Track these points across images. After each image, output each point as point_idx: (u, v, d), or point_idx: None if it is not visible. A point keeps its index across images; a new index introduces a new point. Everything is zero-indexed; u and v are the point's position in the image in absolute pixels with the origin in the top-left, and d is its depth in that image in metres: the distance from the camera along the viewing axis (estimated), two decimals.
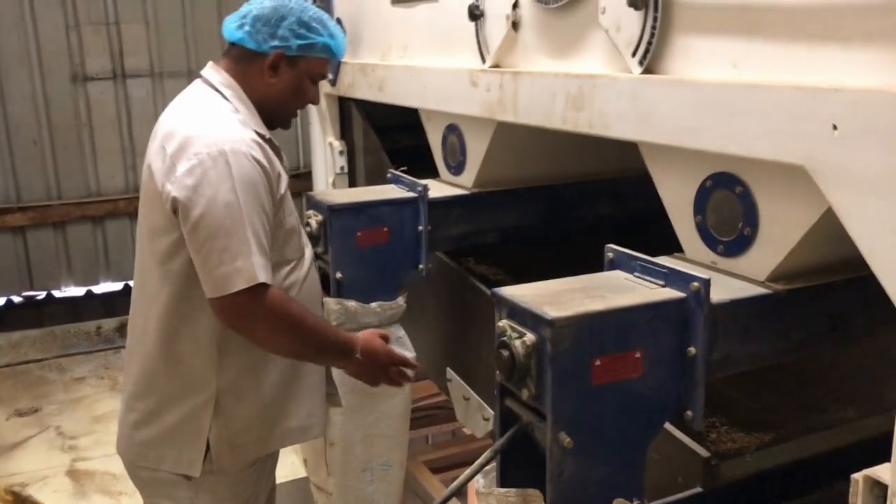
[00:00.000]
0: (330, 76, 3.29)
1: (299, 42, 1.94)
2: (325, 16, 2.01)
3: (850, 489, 1.23)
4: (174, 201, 1.77)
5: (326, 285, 2.44)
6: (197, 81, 2.01)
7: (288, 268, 1.98)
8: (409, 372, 2.12)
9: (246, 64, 1.96)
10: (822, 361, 2.08)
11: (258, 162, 1.81)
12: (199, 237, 1.75)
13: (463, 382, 2.65)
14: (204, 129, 1.82)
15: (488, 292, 2.39)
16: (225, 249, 1.74)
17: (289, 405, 2.05)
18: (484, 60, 2.23)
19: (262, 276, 1.76)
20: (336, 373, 2.42)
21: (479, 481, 1.49)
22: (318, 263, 2.53)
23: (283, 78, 1.96)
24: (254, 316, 1.79)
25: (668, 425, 1.76)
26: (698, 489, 1.67)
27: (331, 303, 2.38)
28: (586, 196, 2.67)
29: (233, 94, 1.94)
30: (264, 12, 1.94)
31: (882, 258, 1.17)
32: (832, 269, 1.51)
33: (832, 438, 1.85)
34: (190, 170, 1.76)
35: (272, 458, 2.21)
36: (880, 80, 1.17)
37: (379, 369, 2.03)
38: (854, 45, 1.22)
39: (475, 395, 2.57)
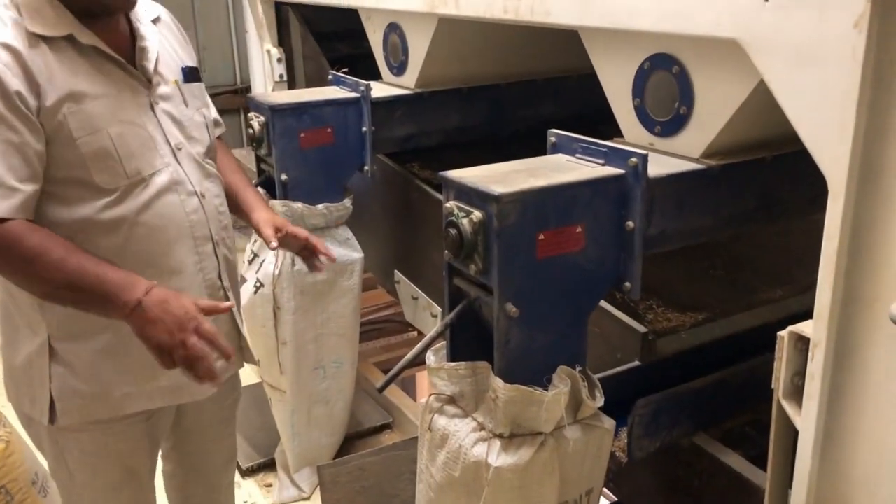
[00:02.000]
0: None
1: None
2: None
3: (776, 345, 1.33)
4: None
5: (272, 188, 2.44)
6: None
7: (108, 198, 1.59)
8: (219, 363, 1.55)
9: None
10: (752, 243, 2.18)
11: None
12: None
13: (410, 283, 2.70)
14: None
15: (434, 194, 2.44)
16: None
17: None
18: None
19: None
20: (286, 272, 2.44)
21: (429, 358, 1.54)
22: (261, 167, 2.52)
23: None
24: None
25: (608, 306, 1.85)
26: (636, 363, 1.77)
27: (277, 205, 2.38)
28: (530, 96, 2.69)
29: None
30: None
31: (811, 127, 1.22)
32: (765, 145, 1.58)
33: (761, 315, 1.97)
34: None
35: (166, 414, 1.87)
36: None
37: (171, 334, 1.48)
38: None
39: (423, 294, 2.63)
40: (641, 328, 1.79)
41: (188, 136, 1.75)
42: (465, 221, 1.37)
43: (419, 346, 1.47)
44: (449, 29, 2.27)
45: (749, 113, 1.45)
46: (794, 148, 1.29)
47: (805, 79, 1.21)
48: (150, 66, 1.69)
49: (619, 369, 1.74)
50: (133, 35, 1.70)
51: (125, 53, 1.65)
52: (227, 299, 1.84)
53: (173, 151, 1.69)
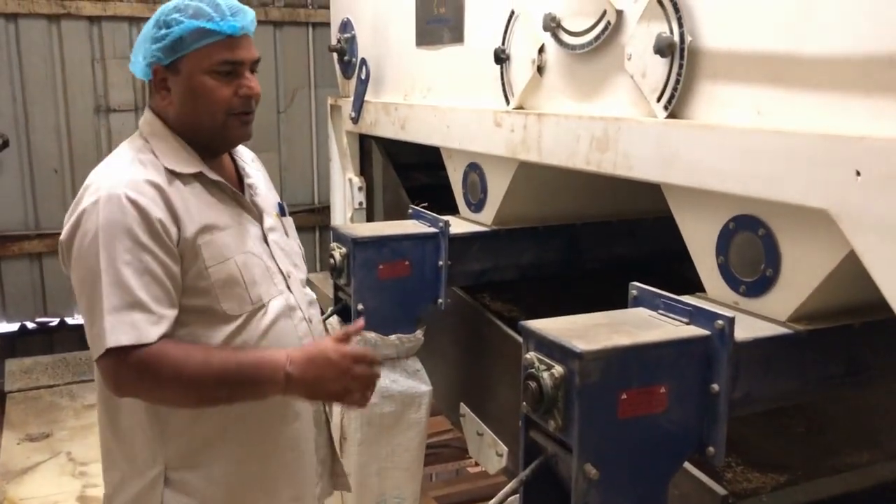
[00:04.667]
0: (352, 114, 3.37)
1: (161, 45, 1.65)
2: (188, 2, 1.67)
3: None
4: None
5: (347, 316, 2.48)
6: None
7: (233, 325, 1.67)
8: (376, 369, 1.71)
9: (152, 96, 1.75)
10: (836, 404, 2.10)
11: (135, 204, 1.56)
12: (76, 297, 1.61)
13: (476, 418, 2.67)
14: (92, 182, 1.63)
15: (504, 328, 2.44)
16: (88, 310, 1.56)
17: (264, 484, 1.76)
18: (508, 102, 2.29)
19: (113, 338, 1.51)
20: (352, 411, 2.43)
21: None
22: (339, 295, 2.57)
23: (175, 91, 1.69)
24: (123, 382, 1.56)
25: (686, 464, 1.78)
26: None
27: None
28: (604, 236, 2.71)
29: (150, 132, 1.72)
30: (140, 36, 1.73)
31: None
32: (853, 311, 1.55)
33: (845, 481, 1.87)
34: (69, 228, 1.61)
35: None
36: None
37: (333, 376, 1.61)
38: (877, 95, 1.27)
39: (489, 430, 2.59)
40: (721, 490, 1.72)
41: (294, 264, 1.87)
42: (545, 375, 1.36)
43: (493, 502, 1.44)
44: (529, 172, 2.33)
45: (839, 280, 1.43)
46: (885, 316, 1.26)
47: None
48: (260, 201, 1.84)
49: None
50: (238, 172, 1.86)
51: (236, 188, 1.80)
52: (329, 419, 1.97)
53: (285, 279, 1.80)
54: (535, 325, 1.47)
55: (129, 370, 1.54)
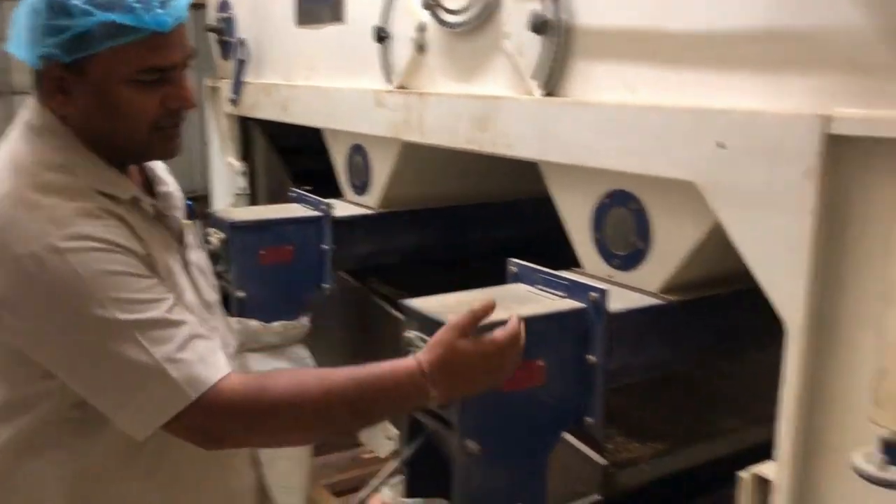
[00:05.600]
0: (233, 96, 3.26)
1: (59, 40, 1.18)
2: None
3: (738, 487, 1.31)
4: None
5: (228, 304, 2.40)
6: (21, 122, 1.30)
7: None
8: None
9: (42, 90, 1.27)
10: (710, 372, 2.19)
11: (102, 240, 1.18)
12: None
13: None
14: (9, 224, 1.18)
15: (393, 312, 2.42)
16: (113, 376, 1.19)
17: None
18: (390, 82, 2.26)
19: (195, 384, 1.17)
20: None
21: (385, 494, 1.49)
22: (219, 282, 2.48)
23: (79, 96, 1.23)
24: (228, 429, 1.22)
25: (567, 436, 1.82)
26: (596, 497, 1.73)
27: (231, 322, 2.33)
28: (487, 218, 2.73)
29: (58, 142, 1.25)
30: (23, 13, 1.23)
31: (766, 269, 1.26)
32: (722, 281, 1.61)
33: (720, 446, 1.95)
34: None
35: None
36: (762, 102, 1.27)
37: (485, 369, 1.26)
38: (739, 69, 1.32)
39: None
40: (602, 460, 1.76)
41: (212, 284, 1.49)
42: None
43: (374, 481, 1.42)
44: (412, 153, 2.31)
45: (706, 251, 1.48)
46: (752, 284, 1.31)
47: (758, 223, 1.24)
48: (179, 214, 1.41)
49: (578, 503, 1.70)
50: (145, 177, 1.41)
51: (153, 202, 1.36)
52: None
53: (208, 309, 1.42)
54: (415, 303, 1.46)
55: (230, 410, 1.19)
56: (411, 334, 1.40)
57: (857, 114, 1.13)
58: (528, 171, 1.82)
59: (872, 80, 1.14)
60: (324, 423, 1.24)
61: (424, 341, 1.36)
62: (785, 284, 1.20)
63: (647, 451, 1.90)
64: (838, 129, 1.14)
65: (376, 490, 1.41)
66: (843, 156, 1.15)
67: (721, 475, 1.50)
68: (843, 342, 1.17)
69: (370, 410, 1.26)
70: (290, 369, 1.32)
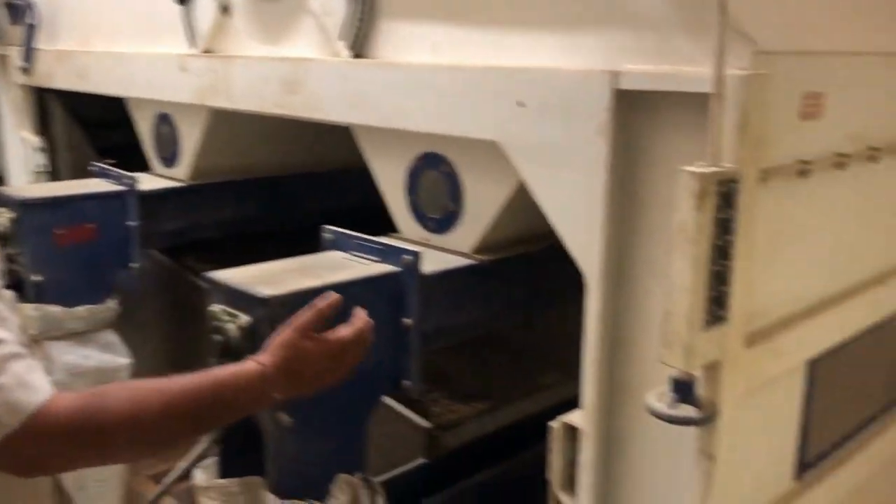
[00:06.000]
0: (24, 64, 2.97)
1: None
2: None
3: (549, 436, 1.35)
4: None
5: (22, 289, 2.20)
6: None
7: None
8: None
9: None
10: (530, 330, 2.25)
11: None
12: None
13: None
14: None
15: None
16: None
17: None
18: (195, 46, 2.13)
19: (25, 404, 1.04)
20: None
21: (197, 476, 1.41)
22: (11, 267, 2.27)
23: None
24: (40, 462, 1.09)
25: (391, 402, 1.81)
26: (422, 460, 1.74)
27: (28, 309, 2.14)
28: (311, 189, 2.66)
29: None
30: None
31: (566, 224, 1.29)
32: (532, 239, 1.64)
33: (541, 401, 2.02)
34: None
35: None
36: (558, 60, 1.29)
37: (330, 367, 1.23)
38: (537, 29, 1.33)
39: None
40: (426, 423, 1.77)
41: None
42: (231, 326, 1.29)
43: (184, 463, 1.34)
44: (223, 120, 2.21)
45: (515, 210, 1.51)
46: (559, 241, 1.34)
47: (557, 179, 1.27)
48: None
49: (403, 469, 1.70)
50: None
51: None
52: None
53: None
54: (219, 275, 1.38)
55: (58, 435, 1.06)
56: (217, 308, 1.33)
57: (643, 69, 1.18)
58: (350, 139, 1.78)
59: (659, 37, 1.19)
60: (164, 437, 1.15)
61: (230, 315, 1.30)
62: (583, 237, 1.24)
63: (470, 412, 1.93)
64: (627, 84, 1.17)
65: (185, 474, 1.34)
66: (632, 110, 1.19)
67: (543, 429, 1.54)
68: (637, 290, 1.22)
69: (212, 419, 1.20)
70: (126, 383, 1.23)
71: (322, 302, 1.22)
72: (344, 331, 1.23)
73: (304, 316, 1.20)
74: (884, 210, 1.51)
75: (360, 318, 1.25)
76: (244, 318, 1.28)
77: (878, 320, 1.51)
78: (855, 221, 1.43)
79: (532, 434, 1.89)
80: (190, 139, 2.32)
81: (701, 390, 1.11)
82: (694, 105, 1.09)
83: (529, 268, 1.66)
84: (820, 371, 1.37)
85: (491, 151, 1.39)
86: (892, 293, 1.53)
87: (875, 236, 1.50)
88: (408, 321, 1.42)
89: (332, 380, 1.24)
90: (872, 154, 1.38)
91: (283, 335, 1.19)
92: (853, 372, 1.50)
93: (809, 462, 1.42)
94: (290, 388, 1.18)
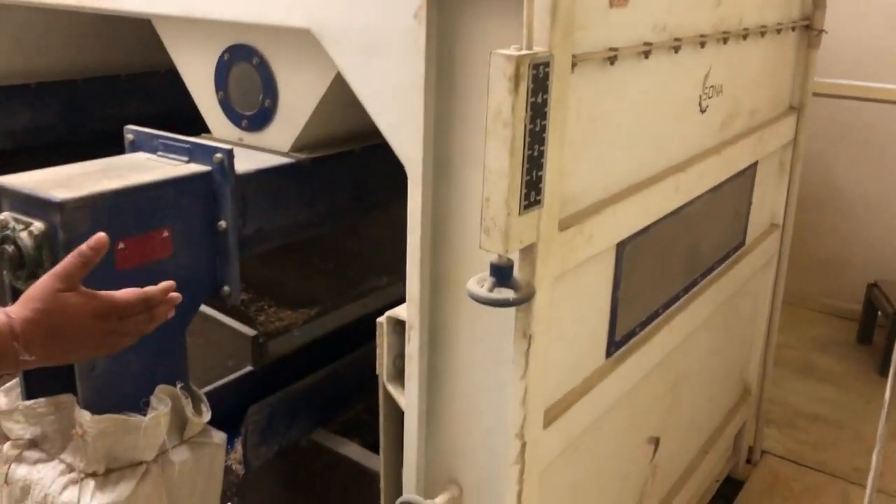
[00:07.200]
0: None
1: None
2: None
3: (377, 330, 1.35)
4: None
5: None
6: None
7: None
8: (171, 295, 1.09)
9: None
10: (360, 235, 2.24)
11: None
12: None
13: None
14: None
15: None
16: None
17: None
18: None
19: None
20: None
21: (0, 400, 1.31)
22: None
23: None
24: None
25: (215, 312, 1.75)
26: (249, 368, 1.70)
27: None
28: (112, 93, 2.45)
29: None
30: None
31: (386, 118, 1.25)
32: (354, 137, 1.60)
33: (369, 304, 2.02)
34: None
35: None
36: None
37: (101, 331, 1.01)
38: None
39: None
40: (251, 331, 1.73)
41: None
42: (23, 235, 1.18)
43: None
44: (6, 16, 1.97)
45: (333, 104, 1.45)
46: (383, 139, 1.31)
47: (375, 69, 1.23)
48: None
49: (230, 378, 1.66)
50: None
51: None
52: None
53: None
54: (6, 179, 1.25)
55: None
56: (5, 215, 1.21)
57: None
58: (156, 38, 1.63)
59: None
60: None
61: (20, 223, 1.19)
62: (403, 129, 1.21)
63: (298, 318, 1.90)
64: None
65: None
66: None
67: (372, 332, 1.54)
68: (458, 180, 1.22)
69: None
70: None
71: (86, 246, 0.98)
72: (123, 293, 1.03)
73: (64, 263, 0.98)
74: (685, 101, 1.60)
75: (160, 286, 1.07)
76: (38, 226, 1.17)
77: (679, 205, 1.60)
78: (660, 111, 1.49)
79: (361, 337, 1.90)
80: None
81: (518, 274, 1.13)
82: None
83: (352, 167, 1.62)
84: (628, 254, 1.45)
85: (305, 41, 1.32)
86: (692, 180, 1.63)
87: (677, 126, 1.59)
88: (223, 224, 1.36)
89: (103, 347, 1.03)
90: (676, 45, 1.44)
91: (38, 284, 0.98)
92: (658, 254, 1.60)
93: (620, 341, 1.52)
94: (46, 349, 0.97)
